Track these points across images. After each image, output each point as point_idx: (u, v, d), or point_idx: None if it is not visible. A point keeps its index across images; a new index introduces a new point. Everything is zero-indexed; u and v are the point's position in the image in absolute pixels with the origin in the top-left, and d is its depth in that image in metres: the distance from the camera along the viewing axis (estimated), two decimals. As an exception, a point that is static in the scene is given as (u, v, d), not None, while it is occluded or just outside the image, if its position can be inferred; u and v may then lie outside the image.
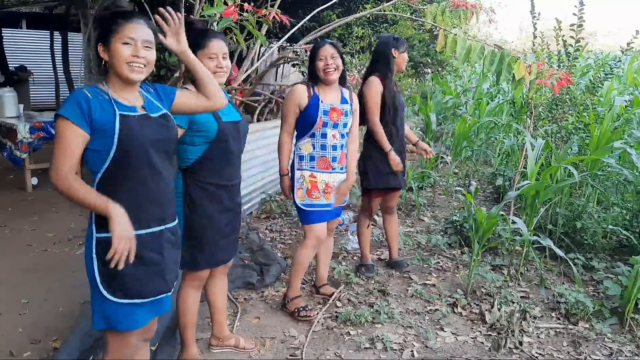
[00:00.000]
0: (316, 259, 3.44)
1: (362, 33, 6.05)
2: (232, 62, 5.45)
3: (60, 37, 10.67)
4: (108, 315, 1.79)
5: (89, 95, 1.70)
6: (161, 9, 1.80)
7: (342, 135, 3.09)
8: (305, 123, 3.00)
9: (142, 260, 1.79)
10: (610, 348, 2.98)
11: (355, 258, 4.20)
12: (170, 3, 7.89)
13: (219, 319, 2.79)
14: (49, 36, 11.41)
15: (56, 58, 11.17)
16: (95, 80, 6.45)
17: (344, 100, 3.09)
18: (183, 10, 3.96)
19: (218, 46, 2.33)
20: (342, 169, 3.13)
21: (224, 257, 2.53)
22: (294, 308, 3.21)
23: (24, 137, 6.02)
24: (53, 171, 1.67)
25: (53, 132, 6.34)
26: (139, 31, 1.74)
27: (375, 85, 3.56)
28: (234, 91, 4.47)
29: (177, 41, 1.87)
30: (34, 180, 6.25)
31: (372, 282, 3.75)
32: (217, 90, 1.99)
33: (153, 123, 1.79)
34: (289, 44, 7.14)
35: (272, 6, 4.95)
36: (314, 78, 3.04)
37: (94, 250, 1.75)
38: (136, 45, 1.73)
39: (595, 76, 4.98)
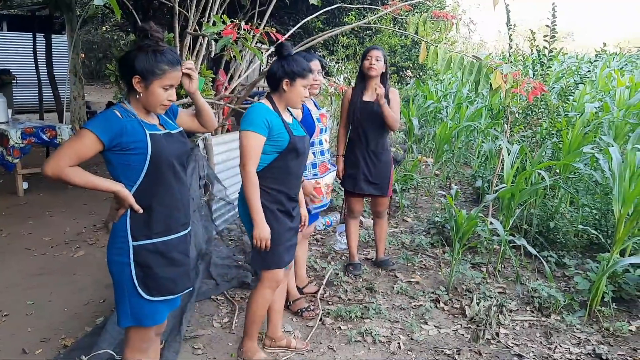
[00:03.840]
0: (295, 263, 3.54)
1: (348, 42, 6.28)
2: (219, 68, 5.64)
3: (43, 39, 10.71)
4: (137, 313, 2.00)
5: (120, 116, 1.90)
6: (188, 66, 2.06)
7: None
8: None
9: (173, 262, 2.02)
10: (578, 338, 3.25)
11: (343, 258, 4.44)
12: (155, 9, 7.97)
13: (275, 320, 2.98)
14: (31, 38, 11.42)
15: (39, 60, 11.21)
16: (79, 84, 6.61)
17: (317, 107, 3.36)
18: (177, 24, 4.18)
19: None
20: (333, 166, 3.40)
21: (289, 258, 2.74)
22: (297, 309, 3.44)
23: (16, 143, 6.13)
24: (52, 161, 1.82)
25: (44, 137, 6.45)
26: (178, 78, 1.97)
27: (344, 95, 3.97)
28: (221, 101, 4.64)
29: (193, 85, 2.14)
30: (25, 185, 6.36)
31: (360, 280, 3.99)
32: (213, 120, 2.31)
33: (175, 139, 2.04)
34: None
35: (260, 16, 5.18)
36: None
37: (131, 258, 1.95)
38: (173, 89, 1.97)
39: (567, 83, 5.28)
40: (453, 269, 3.85)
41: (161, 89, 1.94)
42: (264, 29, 4.30)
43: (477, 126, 6.97)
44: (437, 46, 3.99)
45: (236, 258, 4.10)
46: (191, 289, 2.19)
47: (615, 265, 3.30)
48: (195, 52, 4.37)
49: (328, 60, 7.03)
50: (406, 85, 9.26)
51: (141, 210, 1.95)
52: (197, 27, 4.35)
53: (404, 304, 3.64)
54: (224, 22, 3.09)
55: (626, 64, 11.78)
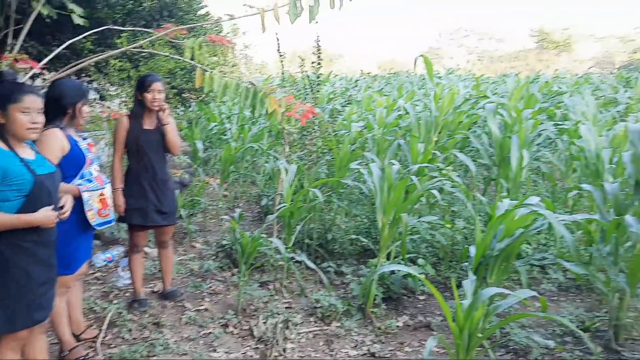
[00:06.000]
0: (69, 307, 3.26)
1: (121, 66, 6.00)
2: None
3: None
4: None
5: None
6: None
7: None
8: (73, 165, 2.94)
9: None
10: (356, 340, 3.56)
11: (127, 294, 4.19)
12: None
13: None
14: None
15: None
16: None
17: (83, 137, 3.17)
18: None
19: (31, 101, 2.32)
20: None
21: (42, 315, 2.39)
22: (75, 359, 3.12)
23: None
24: None
25: None
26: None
27: (119, 124, 3.73)
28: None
29: None
30: None
31: (147, 316, 3.80)
32: None
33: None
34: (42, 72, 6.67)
35: (16, 35, 4.66)
36: (61, 119, 2.99)
37: None
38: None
39: (334, 105, 5.80)
40: (241, 291, 3.91)
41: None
42: (19, 52, 3.87)
43: (260, 147, 7.22)
44: (211, 72, 4.04)
45: None
46: None
47: (376, 271, 3.66)
48: None
49: (102, 84, 6.63)
50: (188, 107, 9.20)
51: None
52: None
53: (193, 334, 3.57)
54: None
55: (386, 85, 13.36)
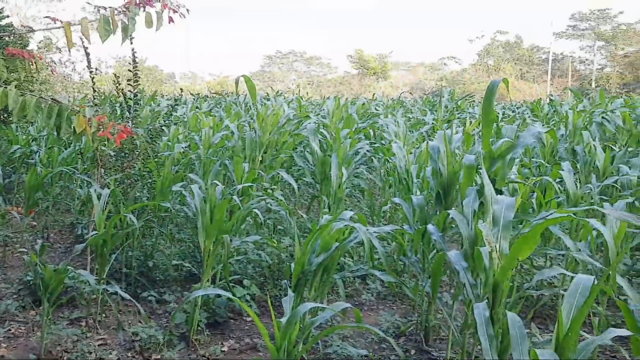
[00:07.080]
0: None
1: None
2: None
3: None
4: None
5: None
6: None
7: None
8: None
9: None
10: (178, 372, 3.37)
11: None
12: None
13: None
14: None
15: None
16: None
17: None
18: None
19: None
20: None
21: None
22: None
23: None
24: None
25: None
26: None
27: None
28: None
29: None
30: None
31: None
32: None
33: None
34: None
35: None
36: None
37: None
38: None
39: (154, 126, 5.54)
40: (44, 331, 3.48)
41: None
42: None
43: (72, 171, 6.61)
44: (6, 87, 3.61)
45: None
46: None
47: (190, 297, 3.46)
48: None
49: None
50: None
51: None
52: None
53: (-18, 389, 3.08)
54: None
55: (216, 106, 13.26)
